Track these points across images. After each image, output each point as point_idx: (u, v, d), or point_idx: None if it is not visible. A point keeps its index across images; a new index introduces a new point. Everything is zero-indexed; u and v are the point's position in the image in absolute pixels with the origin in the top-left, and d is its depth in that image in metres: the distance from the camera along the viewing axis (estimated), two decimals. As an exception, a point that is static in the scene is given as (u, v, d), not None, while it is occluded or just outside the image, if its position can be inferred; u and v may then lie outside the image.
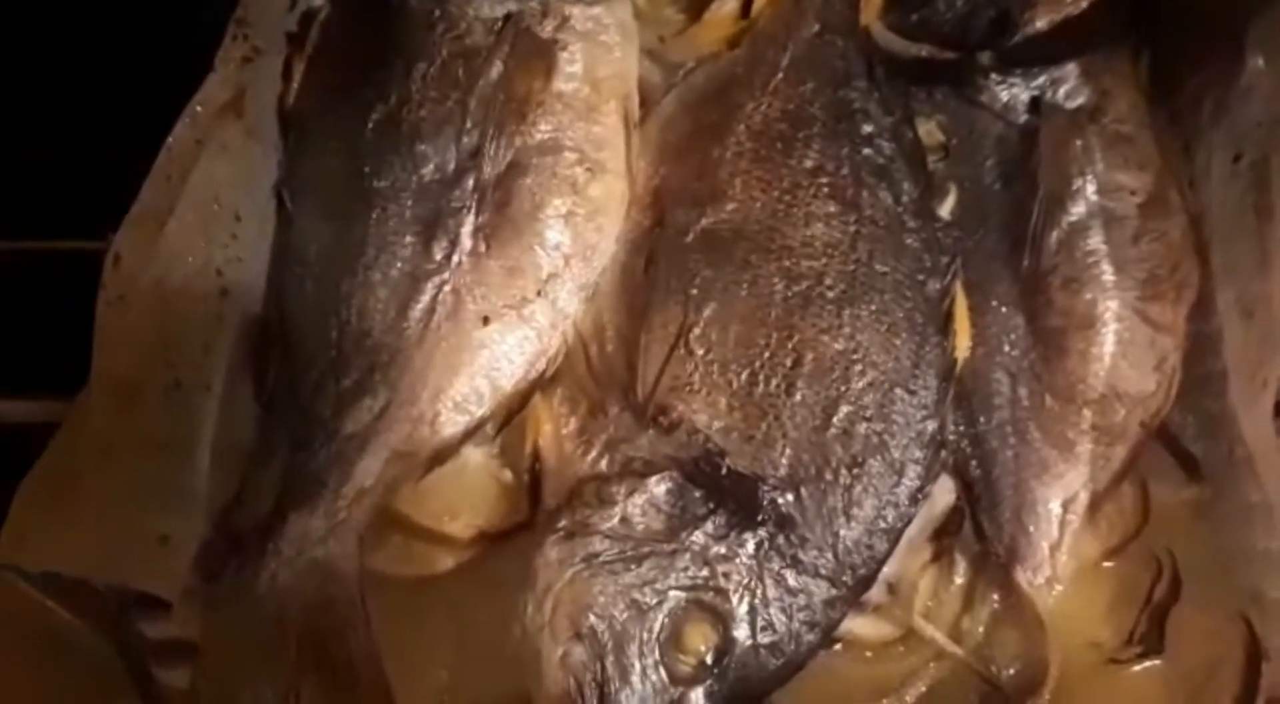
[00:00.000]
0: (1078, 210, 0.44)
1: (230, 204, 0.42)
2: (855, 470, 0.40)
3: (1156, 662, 0.41)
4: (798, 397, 0.40)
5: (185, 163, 0.41)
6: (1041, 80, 0.47)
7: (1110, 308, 0.43)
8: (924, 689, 0.41)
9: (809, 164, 0.43)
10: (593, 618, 0.37)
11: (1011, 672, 0.41)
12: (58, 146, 0.50)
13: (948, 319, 0.42)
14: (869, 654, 0.41)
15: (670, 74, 0.47)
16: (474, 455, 0.42)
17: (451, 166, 0.42)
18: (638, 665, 0.37)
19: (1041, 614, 0.41)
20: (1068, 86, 0.47)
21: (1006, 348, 0.44)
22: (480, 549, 0.41)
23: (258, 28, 0.44)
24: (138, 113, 0.42)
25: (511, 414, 0.41)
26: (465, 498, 0.42)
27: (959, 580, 0.42)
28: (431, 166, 0.42)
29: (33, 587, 0.61)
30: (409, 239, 0.42)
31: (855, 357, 0.41)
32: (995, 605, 0.42)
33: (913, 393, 0.41)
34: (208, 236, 0.41)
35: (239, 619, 0.37)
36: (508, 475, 0.43)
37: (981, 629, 0.42)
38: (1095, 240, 0.44)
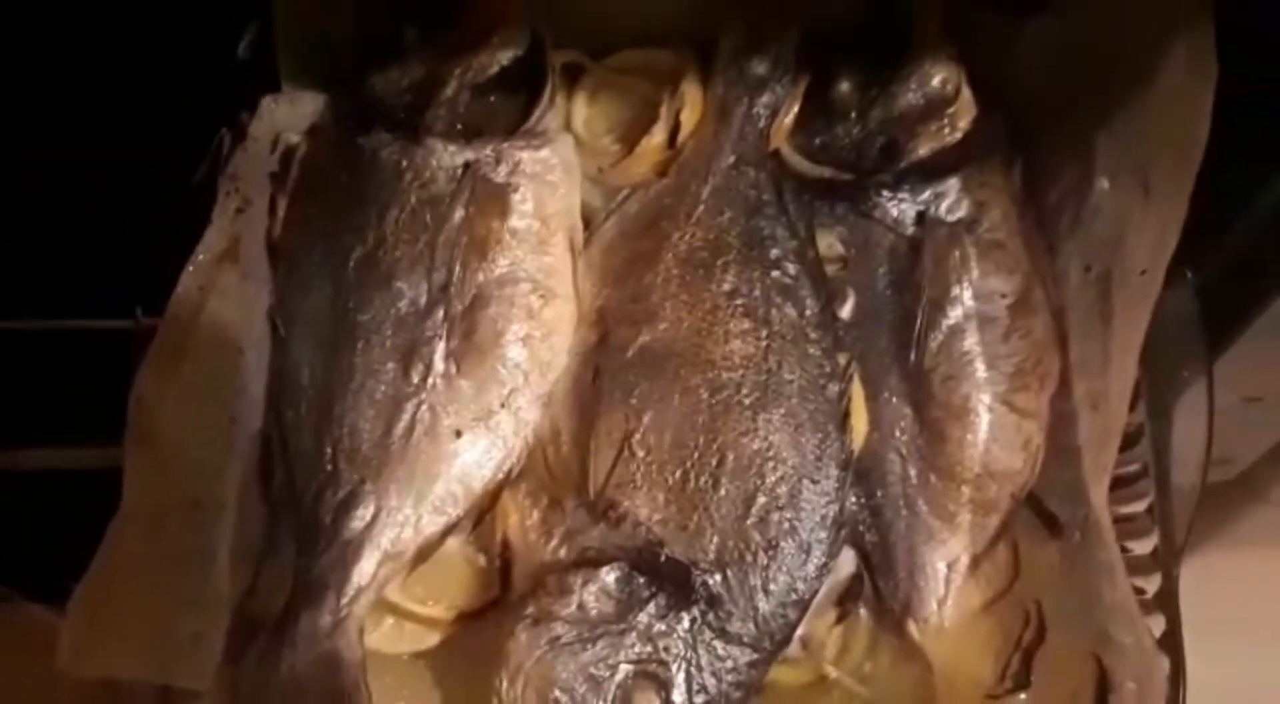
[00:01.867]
0: (955, 314, 0.52)
1: (234, 342, 0.49)
2: (771, 552, 0.48)
3: (1024, 695, 0.49)
4: (722, 491, 0.48)
5: (193, 309, 0.48)
6: (926, 195, 0.54)
7: (983, 400, 0.51)
8: (836, 726, 0.49)
9: (726, 287, 0.51)
10: (557, 692, 0.45)
11: (907, 705, 0.49)
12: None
13: (845, 417, 0.50)
14: (789, 698, 0.50)
15: (610, 196, 0.55)
16: (452, 543, 0.50)
17: (424, 301, 0.50)
18: (596, 729, 0.45)
19: (930, 658, 0.49)
20: (949, 200, 0.54)
21: (897, 433, 0.52)
22: (460, 626, 0.49)
23: (247, 180, 0.51)
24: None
25: (484, 512, 0.49)
26: (446, 582, 0.49)
27: (863, 633, 0.51)
28: (406, 301, 0.50)
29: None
30: (390, 366, 0.49)
31: (769, 454, 0.49)
32: (893, 652, 0.50)
33: (817, 483, 0.49)
34: (216, 374, 0.48)
35: (262, 697, 0.45)
36: (481, 559, 0.50)
37: (883, 673, 0.50)
38: (970, 341, 0.52)
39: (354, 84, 0.53)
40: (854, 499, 0.51)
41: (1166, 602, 0.48)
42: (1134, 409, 0.49)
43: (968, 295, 0.53)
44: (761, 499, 0.48)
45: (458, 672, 0.49)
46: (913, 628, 0.50)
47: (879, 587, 0.50)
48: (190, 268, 0.48)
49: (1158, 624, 0.48)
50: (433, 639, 0.49)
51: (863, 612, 0.51)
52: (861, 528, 0.51)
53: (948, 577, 0.51)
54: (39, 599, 0.47)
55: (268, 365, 0.51)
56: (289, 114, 0.53)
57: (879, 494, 0.51)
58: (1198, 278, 0.52)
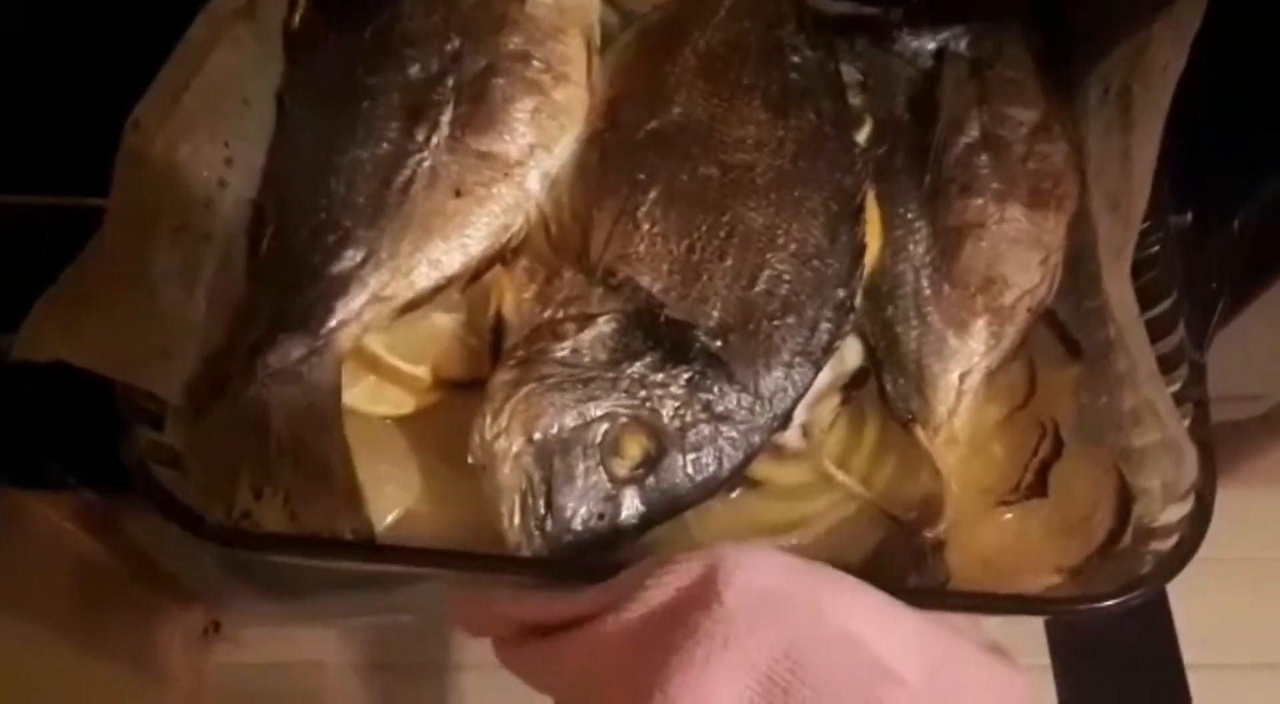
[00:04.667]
0: (973, 133, 0.52)
1: (239, 91, 0.48)
2: (775, 323, 0.45)
3: (1040, 504, 0.46)
4: (729, 262, 0.46)
5: (201, 51, 0.47)
6: (945, 33, 0.55)
7: (1000, 211, 0.50)
8: (833, 523, 0.46)
9: (745, 81, 0.50)
10: (543, 425, 0.42)
11: (912, 513, 0.46)
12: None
13: (859, 210, 0.49)
14: (786, 495, 0.46)
15: (627, 21, 0.55)
16: (443, 319, 0.48)
17: (435, 67, 0.49)
18: (581, 466, 0.41)
19: (939, 466, 0.46)
20: (968, 38, 0.55)
21: (911, 248, 0.50)
22: (442, 395, 0.46)
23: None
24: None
25: (477, 276, 0.47)
26: (433, 349, 0.47)
27: (869, 439, 0.48)
28: (417, 67, 0.49)
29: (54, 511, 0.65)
30: (395, 124, 0.48)
31: (779, 231, 0.47)
32: (899, 458, 0.47)
33: (827, 265, 0.47)
34: (217, 112, 0.46)
35: (229, 418, 0.42)
36: (472, 339, 0.47)
37: (887, 479, 0.47)
38: (987, 157, 0.51)
39: None
40: (866, 311, 0.49)
41: (1193, 388, 0.45)
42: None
43: (987, 118, 0.52)
44: (768, 273, 0.46)
45: (436, 439, 0.46)
46: (921, 435, 0.47)
47: (885, 389, 0.48)
48: (204, 14, 0.47)
49: (1186, 415, 0.45)
50: (411, 405, 0.46)
51: (869, 416, 0.48)
52: (872, 341, 0.49)
53: (959, 389, 0.48)
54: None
55: (271, 136, 0.50)
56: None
57: (890, 309, 0.49)
58: (1240, 216, 0.52)
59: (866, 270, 0.49)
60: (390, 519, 0.43)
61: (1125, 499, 0.45)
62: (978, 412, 0.48)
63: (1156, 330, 0.46)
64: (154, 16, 0.47)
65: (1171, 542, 0.43)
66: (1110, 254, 0.47)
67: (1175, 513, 0.43)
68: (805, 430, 0.46)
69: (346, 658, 0.77)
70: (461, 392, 0.46)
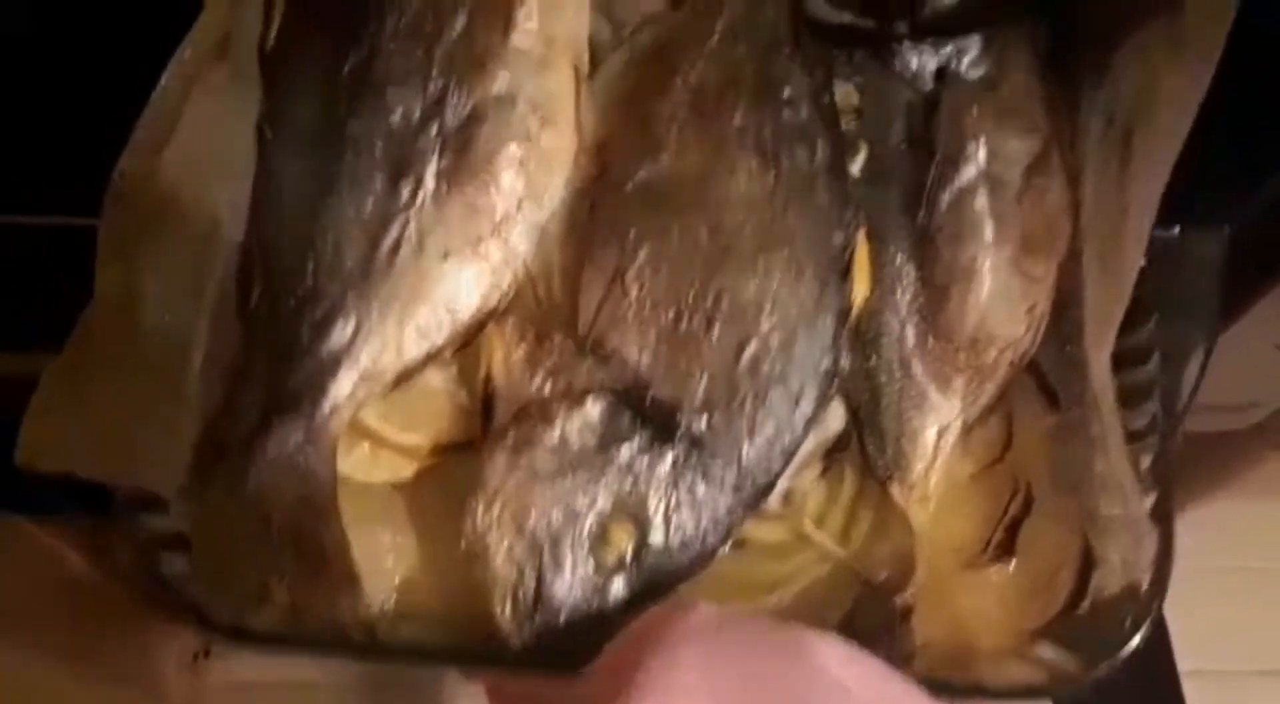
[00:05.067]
0: (968, 173, 0.50)
1: (221, 139, 0.46)
2: (759, 398, 0.46)
3: (1008, 566, 0.48)
4: (715, 334, 0.46)
5: (177, 102, 0.45)
6: (948, 49, 0.52)
7: (989, 262, 0.49)
8: (808, 583, 0.48)
9: (737, 122, 0.48)
10: (533, 518, 0.44)
11: (884, 569, 0.48)
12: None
13: (848, 269, 0.48)
14: (764, 555, 0.49)
15: (618, 31, 0.52)
16: (435, 378, 0.48)
17: (417, 114, 0.47)
18: (570, 558, 0.44)
19: (913, 524, 0.48)
20: (971, 56, 0.52)
21: (899, 293, 0.50)
22: (439, 458, 0.48)
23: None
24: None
25: (468, 341, 0.47)
26: (426, 414, 0.47)
27: (846, 496, 0.50)
28: (399, 113, 0.47)
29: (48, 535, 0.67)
30: (379, 179, 0.47)
31: (766, 300, 0.47)
32: (874, 516, 0.49)
33: (812, 332, 0.47)
34: (199, 165, 0.45)
35: (230, 512, 0.43)
36: (464, 396, 0.48)
37: (862, 537, 0.49)
38: (981, 202, 0.50)
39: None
40: (849, 360, 0.49)
41: (1160, 474, 0.47)
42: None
43: (982, 155, 0.51)
44: (754, 345, 0.46)
45: (434, 503, 0.47)
46: (897, 492, 0.49)
47: (866, 447, 0.49)
48: (176, 62, 0.45)
49: (1151, 498, 0.47)
50: (409, 470, 0.48)
51: (847, 473, 0.50)
52: (854, 389, 0.50)
53: (937, 443, 0.50)
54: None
55: (253, 175, 0.48)
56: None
57: (874, 357, 0.50)
58: (1234, 224, 0.51)
59: (853, 313, 0.49)
60: (391, 596, 0.45)
61: (1088, 563, 0.47)
62: (952, 467, 0.50)
63: (1133, 401, 0.48)
64: (155, 16, 0.46)
65: (1123, 619, 0.45)
66: (1095, 318, 0.47)
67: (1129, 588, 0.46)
68: (787, 497, 0.48)
69: (341, 679, 0.81)
70: (459, 450, 0.48)
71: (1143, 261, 0.45)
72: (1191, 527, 0.51)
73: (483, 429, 0.47)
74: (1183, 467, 0.51)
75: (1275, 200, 0.54)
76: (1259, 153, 0.53)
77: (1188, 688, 0.75)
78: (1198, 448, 0.51)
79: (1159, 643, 0.76)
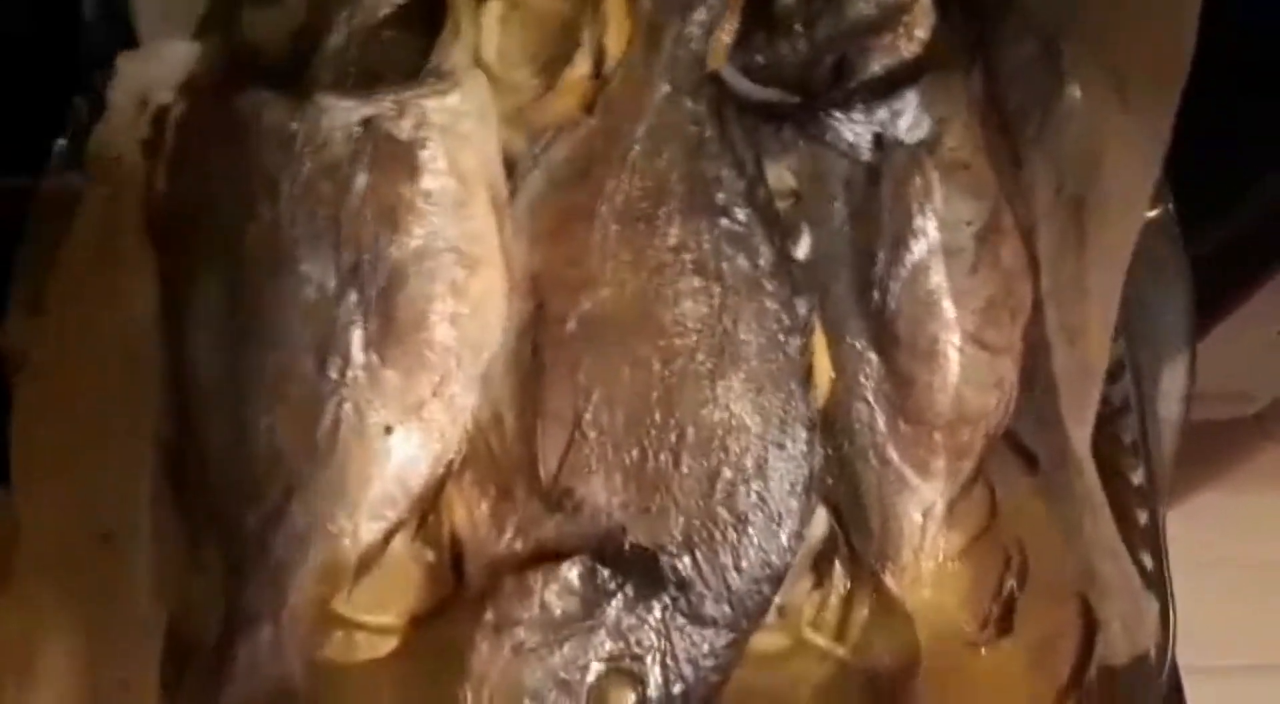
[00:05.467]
0: (919, 249, 0.48)
1: (118, 347, 0.43)
2: (740, 528, 0.45)
3: (1009, 638, 0.48)
4: (684, 468, 0.45)
5: (61, 323, 0.42)
6: (882, 114, 0.49)
7: (952, 341, 0.48)
8: (815, 687, 0.48)
9: (672, 241, 0.46)
10: (526, 698, 0.42)
11: (888, 662, 0.48)
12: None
13: (808, 372, 0.46)
14: (767, 663, 0.48)
15: (533, 139, 0.49)
16: (397, 543, 0.46)
17: (333, 285, 0.44)
18: (570, 735, 0.42)
19: (910, 609, 0.47)
20: (907, 118, 0.49)
21: (863, 380, 0.48)
22: (416, 629, 0.46)
23: (112, 157, 0.44)
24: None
25: (426, 511, 0.45)
26: (394, 587, 0.45)
27: (839, 592, 0.49)
28: (313, 287, 0.44)
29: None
30: (304, 361, 0.44)
31: (731, 424, 0.45)
32: (870, 607, 0.48)
33: (783, 448, 0.46)
34: (104, 385, 0.43)
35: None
36: (429, 555, 0.46)
37: (860, 630, 0.48)
38: (936, 278, 0.48)
39: (225, 31, 0.46)
40: (822, 453, 0.48)
41: (1151, 539, 0.46)
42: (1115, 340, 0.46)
43: (931, 226, 0.48)
44: (726, 473, 0.45)
45: (417, 673, 0.46)
46: (890, 580, 0.48)
47: (853, 542, 0.48)
48: (57, 275, 0.42)
49: (1145, 563, 0.46)
50: (388, 645, 0.46)
51: (837, 569, 0.49)
52: (831, 482, 0.48)
53: (923, 526, 0.48)
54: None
55: (163, 367, 0.45)
56: (154, 70, 0.46)
57: (847, 446, 0.48)
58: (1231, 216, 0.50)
59: (819, 405, 0.48)
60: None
61: (1090, 628, 0.47)
62: (942, 545, 0.49)
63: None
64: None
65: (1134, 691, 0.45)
66: (1068, 394, 0.46)
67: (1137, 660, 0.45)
68: (780, 610, 0.47)
69: None
70: (436, 618, 0.46)
71: (1110, 343, 0.44)
72: (1187, 517, 0.51)
73: (455, 586, 0.45)
74: (1178, 456, 0.50)
75: (1275, 193, 0.53)
76: (1258, 145, 0.52)
77: (1188, 683, 0.75)
78: (1194, 438, 0.50)
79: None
